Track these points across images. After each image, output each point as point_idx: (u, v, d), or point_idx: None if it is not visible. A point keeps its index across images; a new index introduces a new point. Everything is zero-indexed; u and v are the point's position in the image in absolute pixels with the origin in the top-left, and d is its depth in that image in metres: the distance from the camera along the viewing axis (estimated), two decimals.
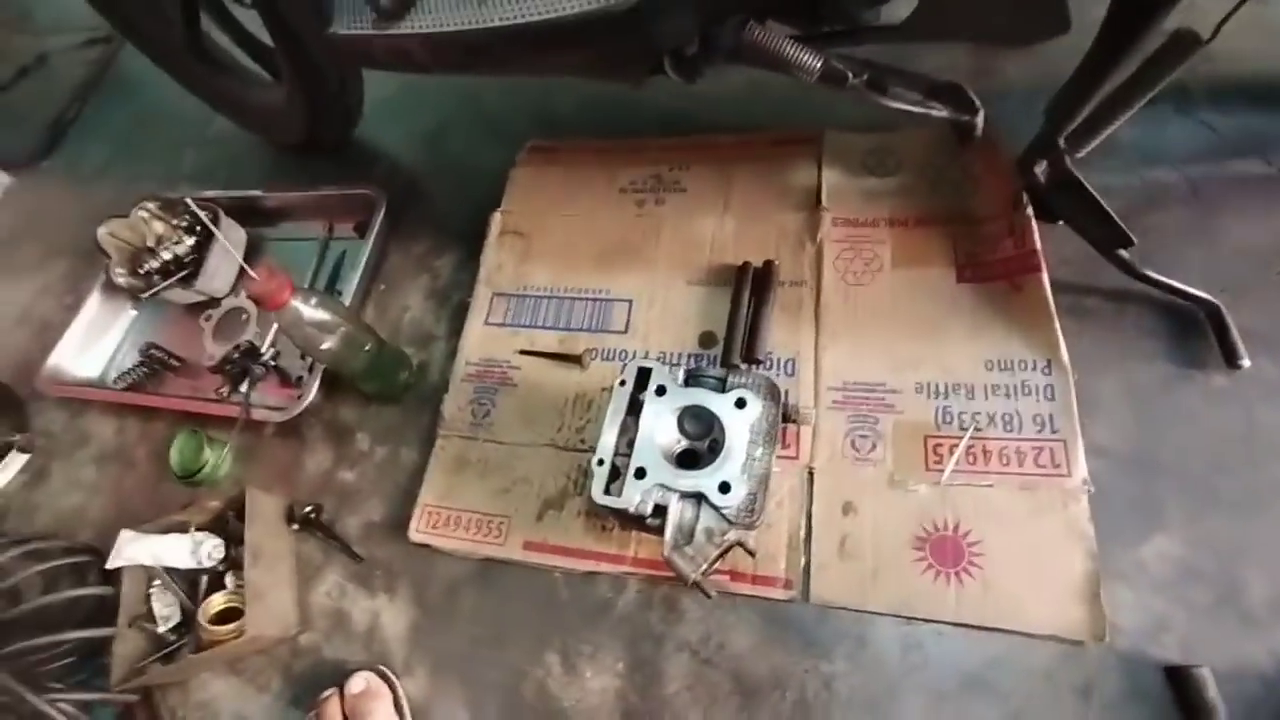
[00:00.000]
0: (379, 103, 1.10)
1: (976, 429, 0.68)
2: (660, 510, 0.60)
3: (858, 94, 0.57)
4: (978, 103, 0.62)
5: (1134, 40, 0.59)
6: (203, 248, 1.00)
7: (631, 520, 0.63)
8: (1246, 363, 0.65)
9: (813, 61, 0.55)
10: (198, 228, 1.03)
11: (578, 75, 0.66)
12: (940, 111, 0.62)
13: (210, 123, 1.20)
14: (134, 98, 1.39)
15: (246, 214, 1.04)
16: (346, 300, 0.90)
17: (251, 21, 0.94)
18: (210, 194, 1.04)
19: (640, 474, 0.61)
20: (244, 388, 0.90)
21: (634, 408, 0.65)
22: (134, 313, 1.09)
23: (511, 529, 0.75)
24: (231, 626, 0.73)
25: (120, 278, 1.03)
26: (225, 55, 1.08)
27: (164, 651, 0.76)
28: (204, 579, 0.78)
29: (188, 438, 0.88)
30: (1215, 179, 0.75)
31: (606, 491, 0.61)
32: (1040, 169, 0.70)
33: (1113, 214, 0.66)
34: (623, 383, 0.66)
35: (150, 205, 1.03)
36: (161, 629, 0.76)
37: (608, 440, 0.64)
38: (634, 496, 0.60)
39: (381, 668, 0.71)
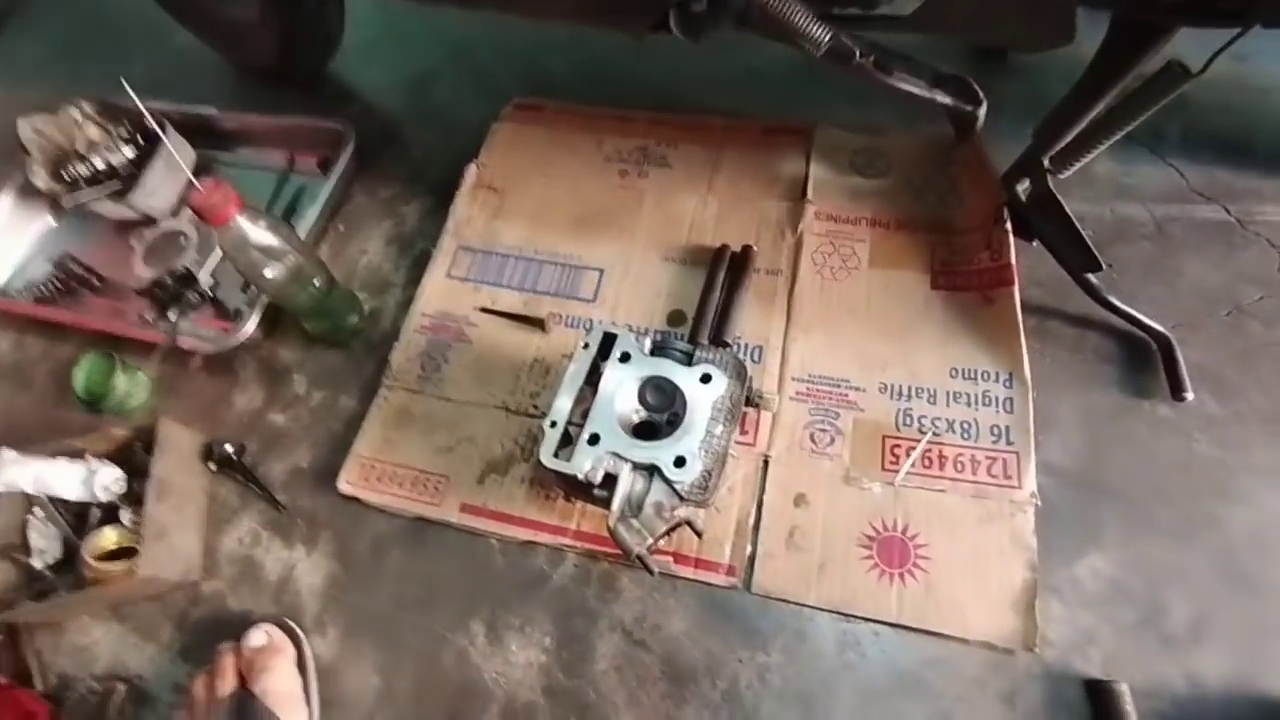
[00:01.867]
0: (361, 43, 1.04)
1: (935, 434, 0.68)
2: (610, 480, 0.57)
3: (863, 73, 0.56)
4: (981, 95, 0.62)
5: (1127, 67, 0.60)
6: (144, 160, 0.92)
7: (579, 489, 0.60)
8: (1190, 396, 0.67)
9: (822, 34, 0.53)
10: (140, 138, 0.95)
11: (580, 20, 0.63)
12: (944, 99, 0.61)
13: (170, 36, 1.11)
14: (85, 1, 1.28)
15: (199, 133, 0.96)
16: (301, 235, 0.84)
17: None
18: (159, 105, 0.96)
19: (594, 440, 0.58)
20: (173, 314, 0.83)
21: (593, 378, 0.62)
22: (53, 223, 1.00)
23: (449, 489, 0.70)
24: (121, 565, 0.66)
25: (40, 180, 0.93)
26: None
27: (38, 589, 0.68)
28: (95, 513, 0.71)
29: (98, 360, 0.80)
30: (1179, 220, 0.78)
31: (556, 455, 0.58)
32: (1023, 187, 0.71)
33: (1086, 238, 0.67)
34: (586, 345, 0.63)
35: (86, 106, 0.94)
36: (38, 563, 0.69)
37: (563, 403, 0.61)
38: (585, 463, 0.57)
39: (287, 621, 0.65)
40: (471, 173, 0.90)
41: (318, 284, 0.73)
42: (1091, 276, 0.70)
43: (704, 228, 0.83)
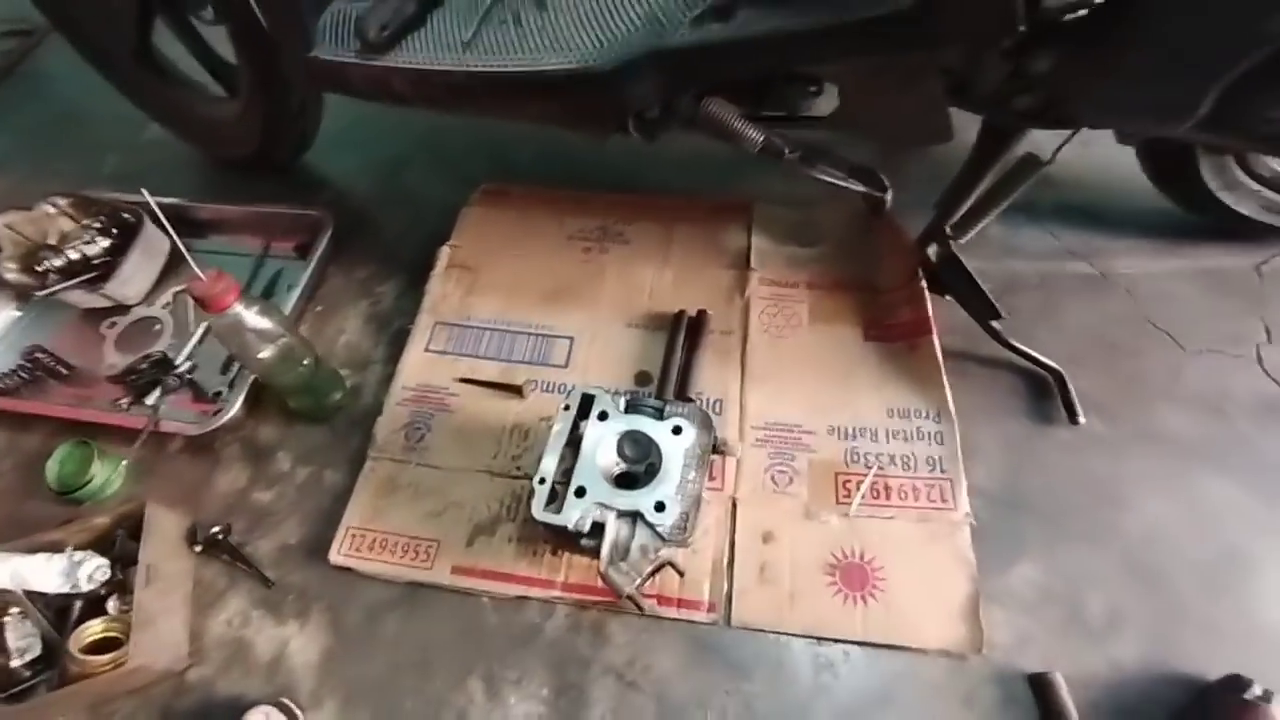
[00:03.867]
0: (334, 132, 1.11)
1: (880, 468, 0.77)
2: (597, 528, 0.63)
3: (791, 166, 0.67)
4: (887, 183, 0.75)
5: (997, 155, 0.74)
6: (119, 251, 0.95)
7: (567, 540, 0.65)
8: (1083, 420, 0.79)
9: (756, 135, 0.65)
10: (114, 230, 0.98)
11: (549, 124, 0.73)
12: (858, 187, 0.73)
13: (142, 129, 1.16)
14: (51, 95, 1.32)
15: (174, 223, 1.00)
16: None
17: (213, 36, 0.95)
18: (133, 199, 1.00)
19: (580, 492, 0.64)
20: (152, 399, 0.85)
21: (572, 439, 0.68)
22: (17, 313, 1.00)
23: (440, 553, 0.74)
24: (108, 657, 0.66)
25: (10, 273, 0.95)
26: (172, 66, 1.06)
27: (16, 689, 0.67)
28: (77, 606, 0.71)
29: (74, 448, 0.81)
30: (1057, 274, 0.93)
31: (546, 509, 0.64)
32: (932, 250, 0.84)
33: (987, 291, 0.80)
34: (567, 406, 0.69)
35: (60, 200, 0.97)
36: (15, 662, 0.67)
37: (549, 462, 0.66)
38: (573, 514, 0.63)
39: (284, 700, 0.66)
40: (445, 254, 0.97)
41: (306, 363, 0.77)
42: (994, 323, 0.83)
43: (662, 295, 0.92)
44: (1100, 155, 0.93)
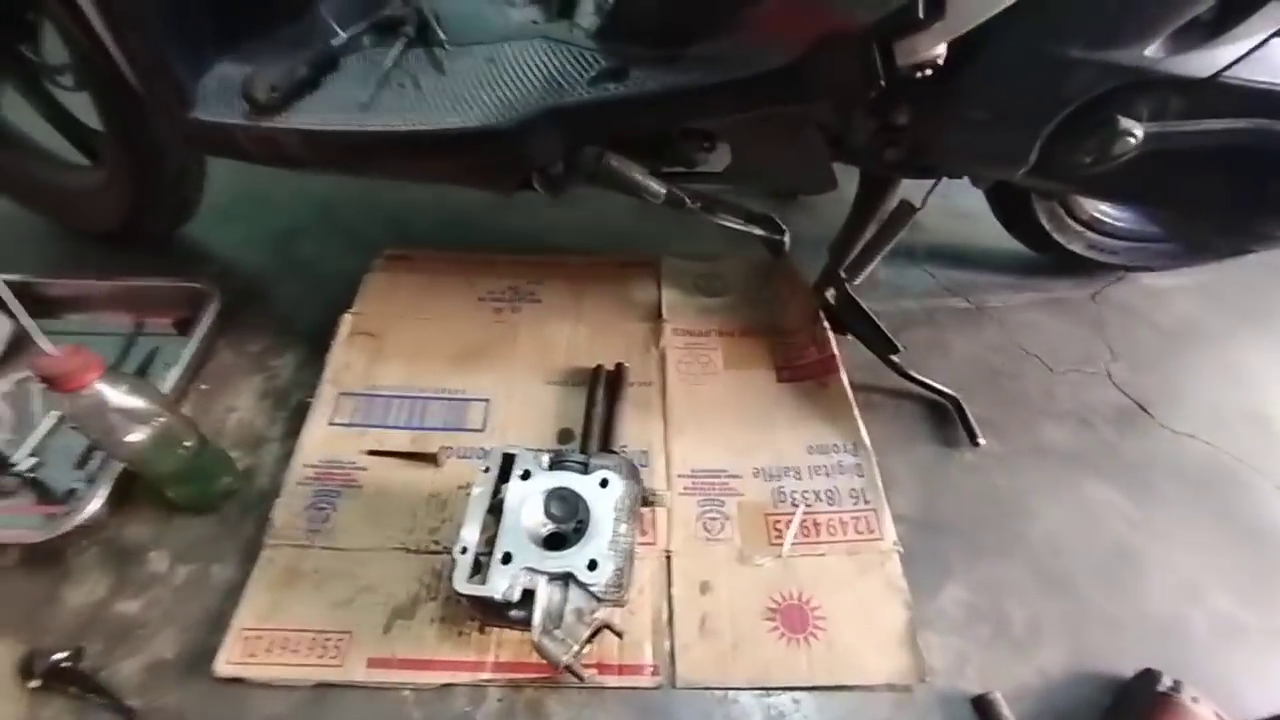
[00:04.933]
0: (217, 205, 1.05)
1: (807, 505, 0.78)
2: (527, 596, 0.59)
3: (694, 215, 0.70)
4: (784, 226, 0.80)
5: (878, 202, 0.81)
6: None
7: (495, 612, 0.60)
8: (983, 441, 0.85)
9: (659, 188, 0.67)
10: None
11: (453, 182, 0.72)
12: (757, 231, 0.78)
13: None
14: None
15: (21, 301, 0.89)
16: None
17: (71, 100, 0.88)
18: None
19: (507, 559, 0.60)
20: None
21: (494, 505, 0.64)
22: None
23: (352, 646, 0.66)
24: None
25: None
26: (22, 133, 0.97)
27: None
28: None
29: None
30: (940, 309, 1.02)
31: (470, 580, 0.59)
32: (829, 293, 0.90)
33: (883, 328, 0.86)
34: (487, 469, 0.66)
35: None
36: None
37: (471, 529, 0.62)
38: (501, 583, 0.58)
39: None
40: (347, 321, 0.92)
41: (188, 445, 0.69)
42: (894, 357, 0.88)
43: (578, 351, 0.92)
44: (962, 204, 1.05)
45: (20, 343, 0.88)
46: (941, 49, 0.52)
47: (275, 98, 0.64)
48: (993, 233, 1.05)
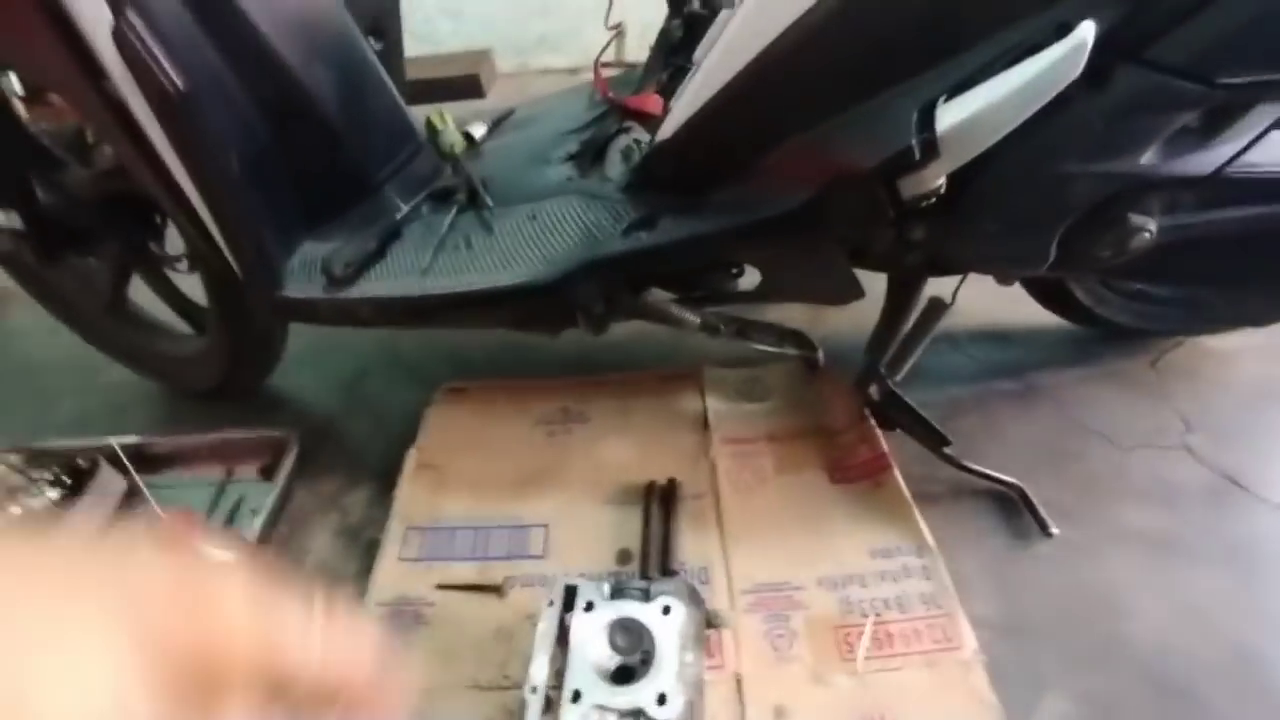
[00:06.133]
0: (291, 352, 1.16)
1: (877, 615, 0.75)
2: None
3: (728, 339, 0.74)
4: (815, 342, 0.83)
5: (907, 302, 0.84)
6: (70, 501, 0.92)
7: None
8: (1056, 531, 0.81)
9: (693, 318, 0.72)
10: (66, 479, 0.96)
11: (504, 327, 0.79)
12: (791, 350, 0.81)
13: (98, 373, 1.18)
14: (11, 350, 1.34)
15: (132, 461, 0.99)
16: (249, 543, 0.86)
17: (182, 280, 1.02)
18: (85, 443, 0.99)
19: (576, 697, 0.60)
20: None
21: (561, 637, 0.65)
22: None
23: None
24: None
25: None
26: (142, 311, 1.12)
27: None
28: None
29: None
30: (989, 394, 1.00)
31: None
32: (873, 390, 0.90)
33: (931, 421, 0.85)
34: (551, 603, 0.67)
35: (12, 457, 0.96)
36: None
37: (539, 665, 0.63)
38: None
39: None
40: (412, 456, 0.98)
41: None
42: (946, 449, 0.87)
43: (629, 468, 0.94)
44: (994, 287, 1.06)
45: (130, 498, 0.97)
46: (941, 180, 0.56)
47: (350, 272, 0.74)
48: (1034, 309, 1.03)
